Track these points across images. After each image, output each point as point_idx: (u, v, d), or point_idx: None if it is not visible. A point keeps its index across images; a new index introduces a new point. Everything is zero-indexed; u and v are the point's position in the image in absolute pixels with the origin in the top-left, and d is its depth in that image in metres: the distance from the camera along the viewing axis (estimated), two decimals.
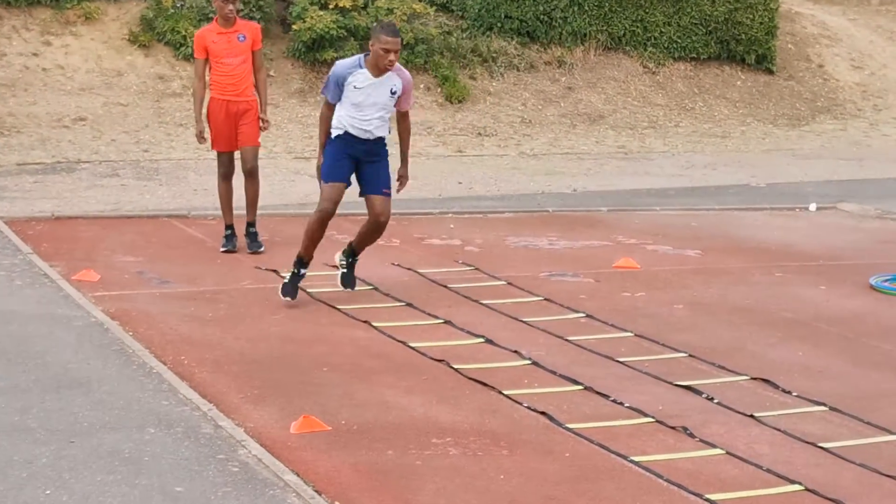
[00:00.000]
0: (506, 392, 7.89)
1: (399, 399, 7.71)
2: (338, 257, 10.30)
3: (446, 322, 9.50)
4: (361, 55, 9.81)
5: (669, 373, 8.45)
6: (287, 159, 18.00)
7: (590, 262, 11.87)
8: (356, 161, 9.78)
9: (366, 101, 9.62)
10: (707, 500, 6.35)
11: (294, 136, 19.44)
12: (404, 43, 21.31)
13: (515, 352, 8.77)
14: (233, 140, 11.59)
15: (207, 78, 11.59)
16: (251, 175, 11.63)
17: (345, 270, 10.22)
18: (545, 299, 10.39)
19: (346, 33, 20.82)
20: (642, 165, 19.17)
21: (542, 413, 7.52)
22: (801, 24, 27.30)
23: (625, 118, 22.55)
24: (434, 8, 22.27)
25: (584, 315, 9.91)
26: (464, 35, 22.69)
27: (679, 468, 6.75)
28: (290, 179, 16.34)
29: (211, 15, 20.27)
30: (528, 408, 7.62)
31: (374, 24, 9.69)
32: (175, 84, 20.13)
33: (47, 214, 13.06)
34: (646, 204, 15.52)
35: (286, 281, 9.93)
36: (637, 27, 23.97)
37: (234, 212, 11.84)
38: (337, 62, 9.92)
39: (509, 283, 10.84)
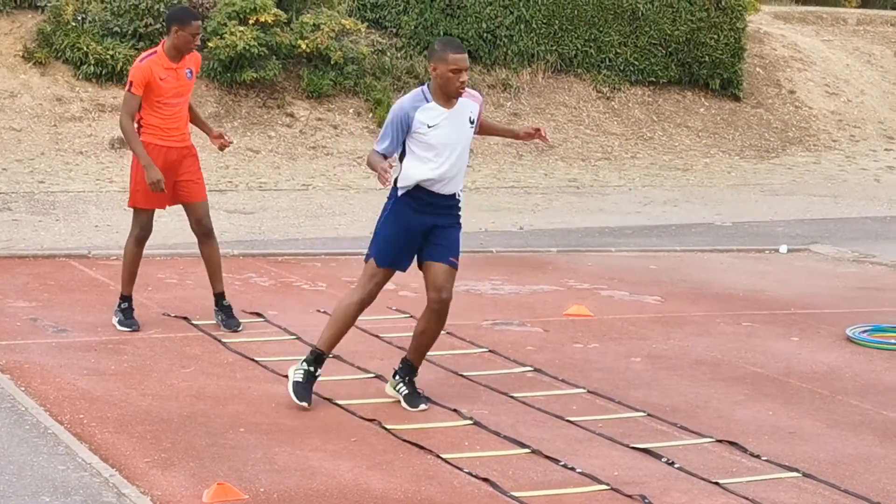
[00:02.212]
0: (444, 456, 7.87)
1: (325, 464, 7.67)
2: (390, 389, 9.01)
3: (378, 377, 9.47)
4: (422, 87, 8.73)
5: (626, 434, 8.46)
6: None
7: (538, 310, 11.90)
8: (424, 233, 8.72)
9: (444, 140, 8.56)
10: None
11: (208, 166, 19.36)
12: (332, 62, 21.40)
13: (455, 410, 8.75)
14: (167, 196, 10.58)
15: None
16: (210, 235, 10.78)
17: (406, 392, 8.92)
18: (489, 351, 10.39)
19: (267, 51, 20.84)
20: (596, 201, 19.28)
21: (485, 479, 7.50)
22: (771, 45, 27.61)
23: (576, 148, 22.69)
24: (365, 25, 22.33)
25: (531, 369, 9.91)
26: (398, 54, 22.79)
27: None
28: None
29: (116, 29, 20.33)
30: (469, 473, 7.61)
31: (433, 43, 8.65)
32: (75, 107, 20.03)
33: None
34: (600, 244, 15.58)
35: (298, 380, 8.78)
36: (590, 48, 24.15)
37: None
38: (396, 102, 8.73)
39: (449, 333, 10.80)
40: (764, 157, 23.78)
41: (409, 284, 12.58)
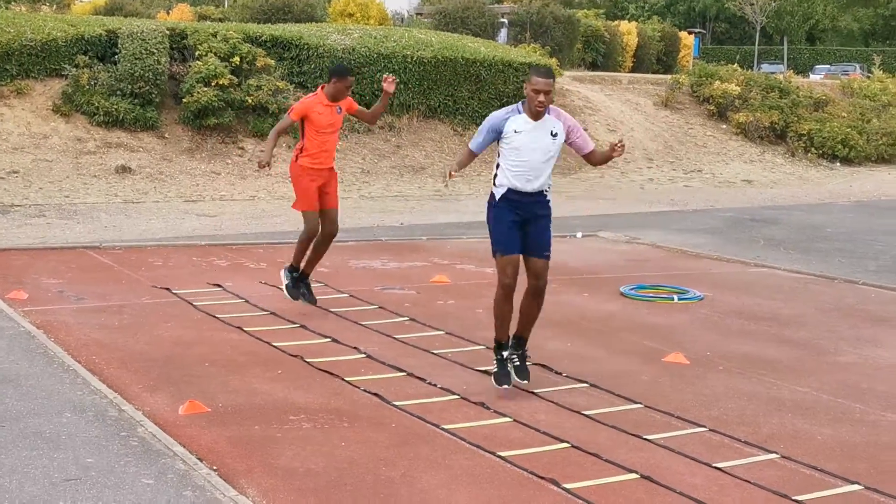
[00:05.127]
0: (347, 379, 7.85)
1: (264, 386, 7.61)
2: (506, 359, 7.75)
3: (301, 326, 9.42)
4: (519, 103, 7.67)
5: (472, 361, 8.50)
6: (178, 202, 17.71)
7: (413, 279, 11.90)
8: (523, 224, 7.62)
9: (528, 144, 7.48)
10: (499, 456, 6.40)
11: (184, 184, 19.13)
12: (270, 112, 21.16)
13: (355, 348, 8.73)
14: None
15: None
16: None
17: (517, 363, 7.73)
18: (379, 307, 10.37)
19: (224, 104, 20.61)
20: (453, 205, 19.31)
21: (375, 394, 7.50)
22: (571, 98, 27.84)
23: (440, 169, 22.70)
24: (293, 85, 22.17)
25: (407, 319, 9.90)
26: None
27: (478, 433, 6.80)
28: (180, 218, 16.07)
29: (118, 91, 19.92)
30: (365, 391, 7.59)
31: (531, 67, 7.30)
32: (90, 144, 19.62)
33: None
34: (456, 234, 15.63)
35: (496, 370, 7.70)
36: (449, 101, 24.17)
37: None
38: (492, 113, 7.69)
39: (351, 296, 10.81)
40: (567, 174, 23.97)
41: (323, 263, 12.48)
